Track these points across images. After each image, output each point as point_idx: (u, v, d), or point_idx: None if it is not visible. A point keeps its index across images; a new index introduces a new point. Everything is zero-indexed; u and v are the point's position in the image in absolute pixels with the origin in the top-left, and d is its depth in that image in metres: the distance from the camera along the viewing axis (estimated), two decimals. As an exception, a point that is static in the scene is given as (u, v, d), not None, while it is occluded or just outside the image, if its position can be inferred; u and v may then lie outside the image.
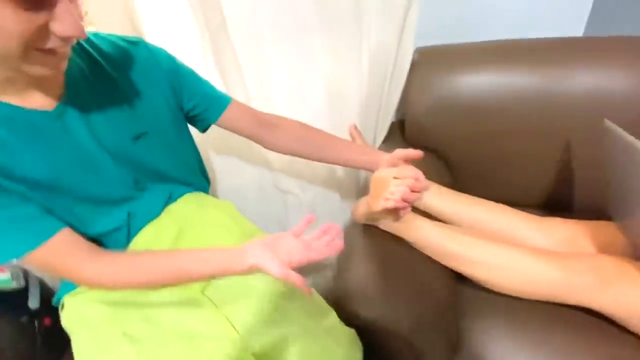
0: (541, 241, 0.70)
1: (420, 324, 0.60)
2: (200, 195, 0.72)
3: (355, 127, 0.86)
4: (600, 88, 0.79)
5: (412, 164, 0.67)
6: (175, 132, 0.66)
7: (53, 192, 0.51)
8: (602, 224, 0.69)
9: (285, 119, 0.75)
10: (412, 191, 0.58)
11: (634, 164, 0.59)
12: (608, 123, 0.64)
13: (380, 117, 0.94)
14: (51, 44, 0.40)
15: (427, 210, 0.77)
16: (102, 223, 0.57)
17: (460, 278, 0.69)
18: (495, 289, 0.64)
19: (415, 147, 0.73)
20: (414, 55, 0.88)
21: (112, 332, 0.53)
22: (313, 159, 0.76)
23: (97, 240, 0.58)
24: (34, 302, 0.64)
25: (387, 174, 0.62)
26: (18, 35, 0.37)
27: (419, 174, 0.61)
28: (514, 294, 0.64)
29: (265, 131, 0.72)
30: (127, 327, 0.53)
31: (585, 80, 0.80)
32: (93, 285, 0.53)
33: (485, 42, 0.89)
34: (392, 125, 0.97)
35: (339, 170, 0.99)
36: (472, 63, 0.88)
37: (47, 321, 0.65)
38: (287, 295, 0.58)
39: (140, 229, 0.61)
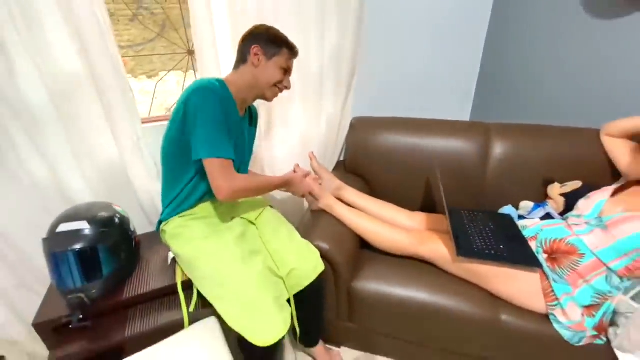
0: (408, 222, 1.29)
1: (347, 256, 1.15)
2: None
3: (312, 153, 1.44)
4: (445, 148, 1.43)
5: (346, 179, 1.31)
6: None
7: None
8: (438, 215, 1.29)
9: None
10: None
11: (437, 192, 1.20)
12: (437, 171, 1.27)
13: (334, 157, 1.58)
14: (281, 86, 1.04)
15: (349, 204, 1.35)
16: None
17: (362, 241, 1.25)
18: (376, 246, 1.22)
19: (353, 175, 1.34)
20: (351, 122, 1.54)
21: (202, 232, 1.02)
22: None
23: None
24: (132, 226, 1.19)
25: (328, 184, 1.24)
26: (280, 73, 1.00)
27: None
28: (385, 250, 1.21)
29: None
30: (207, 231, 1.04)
31: (440, 142, 1.45)
32: (230, 187, 0.91)
33: (396, 117, 1.55)
34: (339, 162, 1.61)
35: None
36: (386, 129, 1.52)
37: (136, 239, 1.20)
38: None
39: None
